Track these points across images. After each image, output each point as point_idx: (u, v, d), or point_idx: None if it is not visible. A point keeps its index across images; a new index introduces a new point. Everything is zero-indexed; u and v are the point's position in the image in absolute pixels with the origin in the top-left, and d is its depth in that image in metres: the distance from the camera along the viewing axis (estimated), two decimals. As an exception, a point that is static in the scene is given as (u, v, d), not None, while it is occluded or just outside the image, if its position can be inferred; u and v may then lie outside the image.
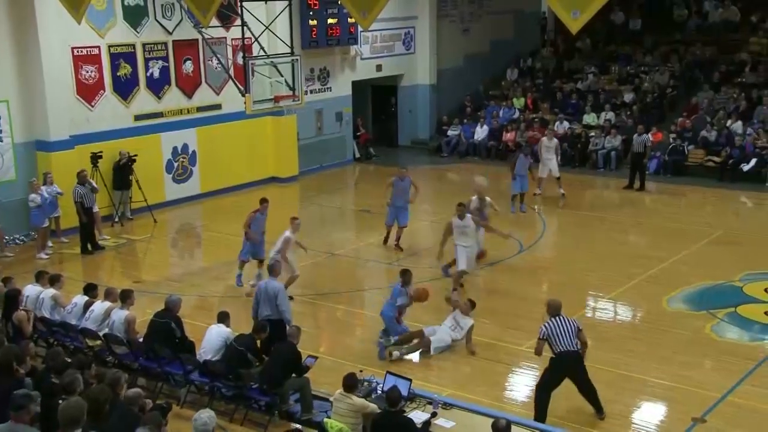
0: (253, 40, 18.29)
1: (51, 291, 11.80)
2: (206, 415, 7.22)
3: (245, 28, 17.16)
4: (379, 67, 25.64)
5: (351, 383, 8.70)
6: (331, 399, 8.91)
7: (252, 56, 17.68)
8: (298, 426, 9.30)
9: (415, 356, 11.56)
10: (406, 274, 11.87)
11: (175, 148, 20.28)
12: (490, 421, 7.80)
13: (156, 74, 19.73)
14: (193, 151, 20.68)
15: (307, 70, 22.52)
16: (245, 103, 16.73)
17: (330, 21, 22.80)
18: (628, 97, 25.35)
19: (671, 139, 22.79)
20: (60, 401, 7.21)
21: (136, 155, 18.64)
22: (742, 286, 14.04)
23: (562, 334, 9.37)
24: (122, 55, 19.00)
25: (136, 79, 19.32)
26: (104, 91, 18.76)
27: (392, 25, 25.24)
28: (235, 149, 21.39)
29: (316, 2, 22.34)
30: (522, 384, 10.81)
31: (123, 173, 18.60)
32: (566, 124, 24.59)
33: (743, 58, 25.75)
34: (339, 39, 23.29)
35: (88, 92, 18.46)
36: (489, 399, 10.20)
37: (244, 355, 9.97)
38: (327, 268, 15.74)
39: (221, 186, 21.26)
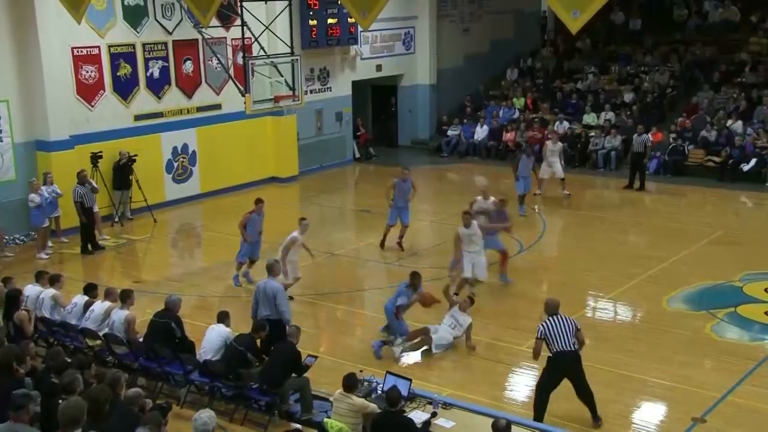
0: (253, 40, 18.30)
1: (51, 291, 11.79)
2: (206, 415, 7.22)
3: (245, 28, 17.17)
4: (379, 67, 25.63)
5: (351, 383, 8.69)
6: (331, 399, 8.91)
7: (252, 56, 17.69)
8: (298, 426, 9.29)
9: (417, 356, 11.56)
10: (415, 277, 11.80)
11: (175, 148, 20.28)
12: (490, 421, 7.80)
13: (156, 74, 19.72)
14: (193, 151, 20.68)
15: (307, 70, 22.52)
16: (245, 103, 16.75)
17: (330, 21, 22.79)
18: (628, 97, 25.34)
19: (671, 139, 22.78)
20: (60, 401, 7.21)
21: (136, 155, 18.64)
22: (742, 286, 14.04)
23: (559, 334, 9.34)
24: (122, 55, 19.00)
25: (136, 79, 19.32)
26: (104, 91, 18.76)
27: (392, 25, 25.23)
28: (235, 149, 21.39)
29: (316, 2, 22.34)
30: (522, 384, 10.80)
31: (123, 173, 18.60)
32: (566, 124, 24.56)
33: (743, 58, 25.74)
34: (339, 39, 23.28)
35: (88, 92, 18.46)
36: (489, 399, 10.20)
37: (244, 355, 9.96)
38: (327, 268, 15.73)
39: (221, 186, 21.25)
